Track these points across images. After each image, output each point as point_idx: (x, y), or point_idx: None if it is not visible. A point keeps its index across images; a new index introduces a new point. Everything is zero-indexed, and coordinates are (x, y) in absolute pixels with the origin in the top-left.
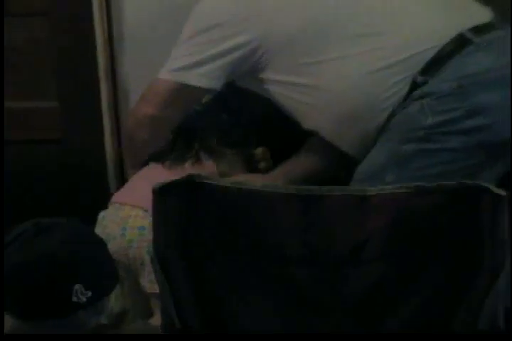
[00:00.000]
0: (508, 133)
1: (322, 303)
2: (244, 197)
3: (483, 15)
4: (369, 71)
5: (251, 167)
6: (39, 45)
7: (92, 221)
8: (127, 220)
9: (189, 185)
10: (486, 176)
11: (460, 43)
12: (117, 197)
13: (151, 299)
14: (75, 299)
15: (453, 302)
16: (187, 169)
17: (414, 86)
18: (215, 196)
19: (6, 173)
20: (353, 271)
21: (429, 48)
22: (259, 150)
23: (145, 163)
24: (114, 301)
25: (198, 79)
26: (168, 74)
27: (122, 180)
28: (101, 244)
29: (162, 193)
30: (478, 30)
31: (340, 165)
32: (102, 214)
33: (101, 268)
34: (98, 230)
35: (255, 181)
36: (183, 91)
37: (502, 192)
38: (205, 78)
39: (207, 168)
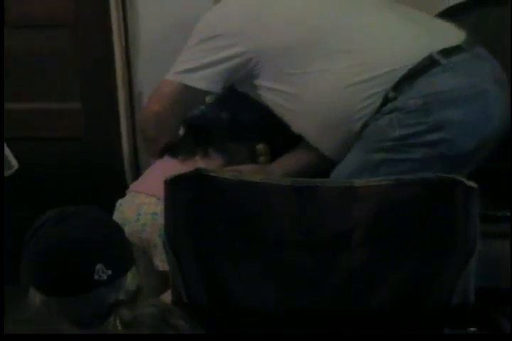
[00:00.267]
0: (467, 147)
1: (314, 281)
2: (245, 188)
3: (454, 38)
4: (345, 84)
5: (252, 161)
6: (63, 53)
7: (110, 209)
8: (142, 207)
9: (196, 178)
10: None
11: (428, 64)
12: (133, 186)
13: (162, 277)
14: (96, 277)
15: (429, 280)
16: (196, 162)
17: (386, 100)
18: (219, 187)
19: (33, 167)
20: (341, 253)
21: (401, 67)
22: (260, 146)
23: (161, 155)
24: (131, 279)
25: (198, 81)
26: (173, 76)
27: (137, 173)
28: (119, 228)
29: (173, 184)
30: (447, 52)
31: (330, 161)
32: (119, 202)
33: (119, 250)
34: (116, 215)
35: (256, 171)
36: (184, 91)
37: (473, 184)
38: (205, 81)
39: (214, 161)
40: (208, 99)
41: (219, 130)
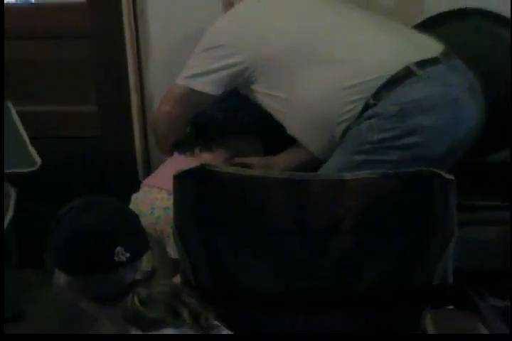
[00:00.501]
0: (439, 150)
1: (309, 264)
2: (245, 182)
3: (432, 50)
4: (329, 90)
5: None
6: (82, 62)
7: (124, 202)
8: (155, 202)
9: (201, 172)
10: None
11: (405, 74)
12: (147, 181)
13: (174, 264)
14: (116, 259)
15: (413, 264)
16: (202, 157)
17: (367, 106)
18: (223, 181)
19: (55, 163)
20: (333, 239)
21: (380, 76)
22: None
23: (171, 152)
24: (146, 262)
25: (202, 85)
26: (181, 80)
27: (148, 169)
28: (136, 217)
29: (180, 179)
30: (423, 64)
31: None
32: (134, 196)
33: (136, 235)
34: (132, 208)
35: (260, 164)
36: (191, 94)
37: (451, 177)
38: (209, 85)
39: (219, 156)
40: None
41: (217, 127)
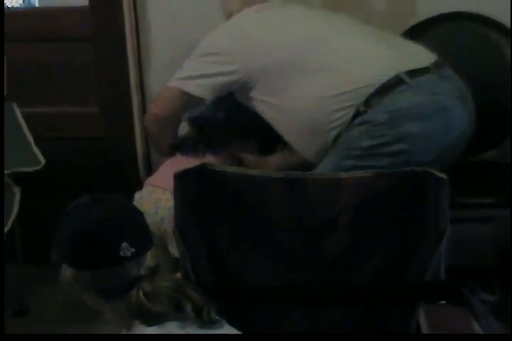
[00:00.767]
0: (427, 157)
1: (305, 260)
2: (244, 181)
3: (423, 60)
4: (320, 98)
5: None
6: (84, 63)
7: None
8: (159, 202)
9: (201, 172)
10: None
11: (395, 83)
12: (151, 180)
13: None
14: (122, 254)
15: (406, 260)
16: (203, 157)
17: (357, 114)
18: (222, 180)
19: (59, 163)
20: (329, 236)
21: (371, 84)
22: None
23: (168, 153)
24: (150, 258)
25: (194, 88)
26: (173, 82)
27: (149, 168)
28: (140, 214)
29: (181, 178)
30: (413, 73)
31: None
32: (138, 195)
33: (141, 232)
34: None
35: (255, 161)
36: (181, 96)
37: (444, 176)
38: (200, 89)
39: (219, 156)
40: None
41: (218, 128)
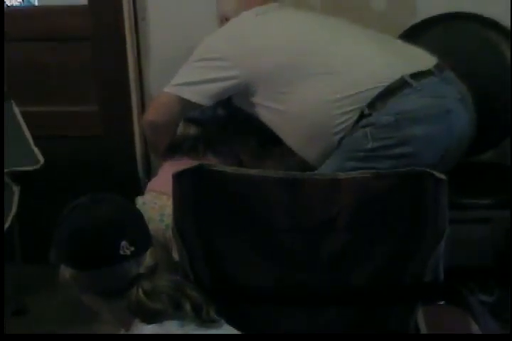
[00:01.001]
0: (431, 159)
1: (303, 261)
2: (242, 181)
3: (425, 63)
4: (324, 102)
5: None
6: (84, 62)
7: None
8: (165, 208)
9: (200, 172)
10: None
11: (400, 85)
12: (154, 186)
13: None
14: (121, 252)
15: (405, 260)
16: (203, 157)
17: (362, 116)
18: (220, 180)
19: (60, 161)
20: (327, 236)
21: (375, 87)
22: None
23: (169, 154)
24: (149, 257)
25: (192, 95)
26: (170, 88)
27: (148, 167)
28: (140, 214)
29: (179, 178)
30: (417, 76)
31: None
32: (141, 201)
33: (140, 231)
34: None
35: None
36: (179, 102)
37: (443, 177)
38: (198, 95)
39: (219, 155)
40: None
41: (218, 126)
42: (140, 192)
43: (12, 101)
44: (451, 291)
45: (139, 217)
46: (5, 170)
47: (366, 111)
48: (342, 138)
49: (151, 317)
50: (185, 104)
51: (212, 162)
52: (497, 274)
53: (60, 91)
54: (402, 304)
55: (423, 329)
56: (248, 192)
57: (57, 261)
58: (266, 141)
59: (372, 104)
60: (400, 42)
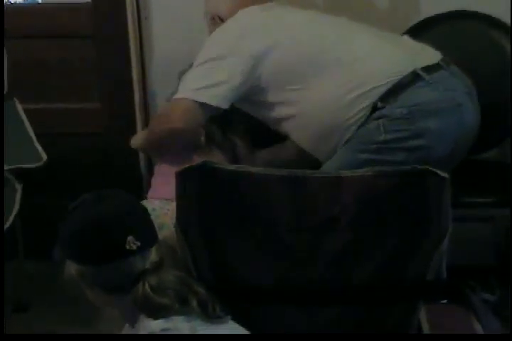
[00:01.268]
0: (442, 152)
1: (305, 259)
2: (245, 178)
3: (432, 57)
4: (338, 97)
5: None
6: (87, 60)
7: None
8: None
9: (203, 169)
10: None
11: (413, 79)
12: (162, 193)
13: None
14: (128, 247)
15: (407, 259)
16: (214, 154)
17: (375, 109)
18: (223, 177)
19: (60, 159)
20: (329, 235)
21: (388, 81)
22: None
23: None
24: (154, 253)
25: (210, 98)
26: (186, 93)
27: (150, 166)
28: (145, 209)
29: (183, 176)
30: (428, 69)
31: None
32: (150, 207)
33: (146, 226)
34: None
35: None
36: (200, 108)
37: (446, 175)
38: (217, 98)
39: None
40: None
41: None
42: (142, 189)
43: (15, 99)
44: (453, 290)
45: (144, 213)
46: (8, 168)
47: (379, 105)
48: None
49: (158, 312)
50: (206, 109)
51: (214, 154)
52: (499, 272)
53: (62, 88)
54: (404, 303)
55: (425, 328)
56: (250, 190)
57: (62, 256)
58: (261, 134)
59: (385, 98)
60: (405, 37)
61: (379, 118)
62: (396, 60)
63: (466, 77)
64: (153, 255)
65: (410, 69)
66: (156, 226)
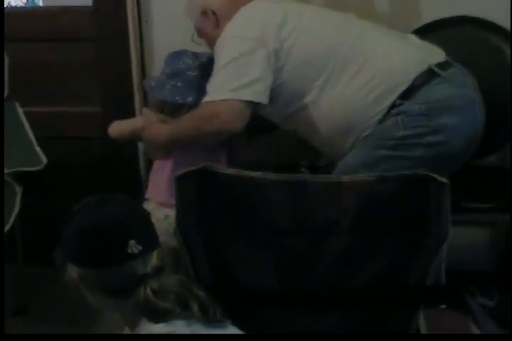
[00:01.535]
0: (458, 148)
1: (305, 262)
2: (245, 183)
3: (440, 55)
4: (363, 97)
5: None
6: (87, 63)
7: None
8: None
9: (203, 173)
10: None
11: (430, 75)
12: (169, 199)
13: None
14: (129, 251)
15: (407, 264)
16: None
17: (393, 106)
18: (223, 181)
19: (60, 162)
20: (329, 239)
21: (407, 78)
22: None
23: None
24: (156, 257)
25: (253, 96)
26: (225, 94)
27: (150, 168)
28: (147, 212)
29: (182, 179)
30: (441, 66)
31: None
32: (162, 213)
33: (148, 230)
34: (162, 227)
35: None
36: (246, 106)
37: (445, 180)
38: (258, 94)
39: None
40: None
41: None
42: (142, 192)
43: (15, 102)
44: (452, 295)
45: (145, 216)
46: (8, 171)
47: (397, 102)
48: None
49: (159, 316)
50: (251, 107)
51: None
52: (498, 278)
53: (62, 92)
54: (403, 307)
55: (424, 333)
56: (251, 194)
57: (64, 260)
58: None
59: (403, 95)
60: (411, 35)
61: (397, 114)
62: (413, 57)
63: (471, 75)
64: (154, 259)
65: (426, 66)
66: (169, 233)
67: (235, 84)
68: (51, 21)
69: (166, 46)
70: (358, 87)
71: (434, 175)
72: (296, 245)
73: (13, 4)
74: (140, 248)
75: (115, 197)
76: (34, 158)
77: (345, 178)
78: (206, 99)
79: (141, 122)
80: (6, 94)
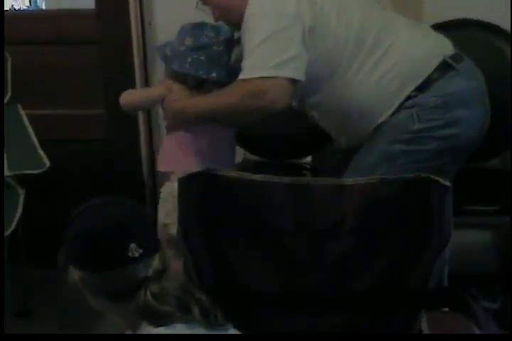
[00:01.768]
0: (471, 140)
1: (306, 265)
2: (247, 185)
3: (451, 46)
4: (384, 86)
5: None
6: (90, 66)
7: None
8: None
9: (205, 175)
10: (450, 172)
11: (445, 68)
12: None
13: None
14: (130, 254)
15: (409, 267)
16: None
17: (408, 98)
18: (225, 184)
19: (63, 164)
20: (331, 241)
21: (426, 70)
22: None
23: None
24: (157, 261)
25: (294, 72)
26: (266, 71)
27: (153, 171)
28: (148, 217)
29: (185, 181)
30: (455, 58)
31: None
32: (168, 188)
33: (149, 233)
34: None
35: None
36: (288, 84)
37: (447, 183)
38: (298, 71)
39: None
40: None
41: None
42: (144, 194)
43: (18, 105)
44: (454, 298)
45: (147, 219)
46: (11, 173)
47: (413, 94)
48: (383, 122)
49: (160, 320)
50: (293, 84)
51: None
52: (501, 281)
53: (65, 94)
54: (405, 310)
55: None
56: (253, 197)
57: (66, 262)
58: None
59: (418, 88)
60: (426, 25)
61: (412, 106)
62: (432, 48)
63: (477, 68)
64: (155, 262)
65: (441, 58)
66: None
67: (276, 60)
68: (54, 24)
69: None
70: (380, 75)
71: (437, 178)
72: (298, 247)
73: (16, 7)
74: (141, 251)
75: (117, 200)
76: (37, 161)
77: (348, 181)
78: (245, 75)
79: (164, 91)
80: (8, 97)
